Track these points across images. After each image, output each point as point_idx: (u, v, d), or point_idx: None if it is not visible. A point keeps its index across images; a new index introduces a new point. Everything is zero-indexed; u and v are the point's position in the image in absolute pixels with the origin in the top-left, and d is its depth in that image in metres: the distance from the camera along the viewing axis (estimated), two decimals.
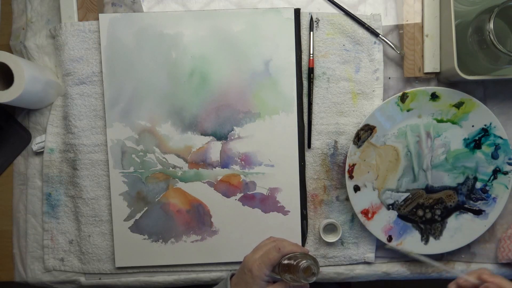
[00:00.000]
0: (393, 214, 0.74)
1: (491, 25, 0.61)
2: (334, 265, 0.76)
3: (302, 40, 0.74)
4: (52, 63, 0.76)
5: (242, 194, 0.75)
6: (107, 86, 0.74)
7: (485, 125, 0.72)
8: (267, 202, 0.75)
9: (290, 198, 0.75)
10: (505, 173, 0.72)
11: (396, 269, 0.76)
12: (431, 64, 0.73)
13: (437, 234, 0.74)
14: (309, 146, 0.75)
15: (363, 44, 0.74)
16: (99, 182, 0.75)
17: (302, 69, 0.74)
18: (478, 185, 0.73)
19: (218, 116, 0.74)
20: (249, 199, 0.75)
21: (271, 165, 0.74)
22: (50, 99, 0.75)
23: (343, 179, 0.75)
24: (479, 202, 0.73)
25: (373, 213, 0.73)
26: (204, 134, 0.74)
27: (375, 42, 0.74)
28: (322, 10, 0.75)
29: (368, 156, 0.73)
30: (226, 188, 0.75)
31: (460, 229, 0.73)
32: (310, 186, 0.75)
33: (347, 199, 0.74)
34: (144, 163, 0.74)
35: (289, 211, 0.75)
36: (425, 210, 0.74)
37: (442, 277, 0.76)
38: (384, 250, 0.76)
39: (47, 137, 0.76)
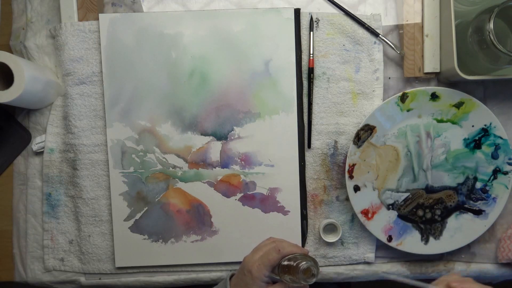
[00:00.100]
0: (393, 214, 0.74)
1: (491, 25, 0.61)
2: (334, 265, 0.76)
3: (302, 40, 0.74)
4: (52, 63, 0.76)
5: (242, 194, 0.75)
6: (107, 86, 0.74)
7: (485, 125, 0.72)
8: (267, 202, 0.75)
9: (290, 198, 0.75)
10: (505, 173, 0.72)
11: (396, 269, 0.76)
12: (431, 64, 0.73)
13: (437, 234, 0.74)
14: (309, 146, 0.75)
15: (363, 44, 0.74)
16: (99, 182, 0.75)
17: (302, 69, 0.74)
18: (478, 185, 0.73)
19: (218, 116, 0.74)
20: (249, 199, 0.75)
21: (271, 165, 0.74)
22: (50, 99, 0.75)
23: (343, 179, 0.75)
24: (479, 202, 0.73)
25: (373, 213, 0.73)
26: (204, 134, 0.74)
27: (375, 42, 0.74)
28: (322, 10, 0.75)
29: (368, 156, 0.73)
30: (226, 188, 0.75)
31: (460, 229, 0.73)
32: (310, 186, 0.75)
33: (347, 199, 0.74)
34: (144, 163, 0.74)
35: (289, 211, 0.75)
36: (425, 210, 0.74)
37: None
38: (384, 250, 0.76)
39: (47, 137, 0.76)
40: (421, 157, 0.73)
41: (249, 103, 0.74)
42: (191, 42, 0.73)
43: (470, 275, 0.76)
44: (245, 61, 0.74)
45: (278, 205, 0.75)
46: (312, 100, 0.74)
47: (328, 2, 0.75)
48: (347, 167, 0.72)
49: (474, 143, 0.72)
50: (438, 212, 0.73)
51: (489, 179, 0.73)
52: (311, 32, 0.74)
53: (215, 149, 0.74)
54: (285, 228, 0.75)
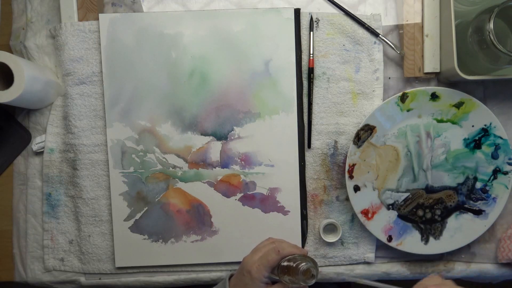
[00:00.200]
0: (393, 214, 0.74)
1: (491, 25, 0.61)
2: (334, 265, 0.76)
3: (302, 40, 0.74)
4: (52, 63, 0.76)
5: (242, 194, 0.75)
6: (107, 86, 0.74)
7: (485, 125, 0.72)
8: (267, 202, 0.75)
9: (290, 198, 0.75)
10: (505, 173, 0.72)
11: (396, 269, 0.76)
12: (431, 64, 0.73)
13: (437, 234, 0.74)
14: (309, 146, 0.75)
15: (363, 44, 0.74)
16: (99, 182, 0.75)
17: (302, 69, 0.74)
18: (478, 185, 0.73)
19: (218, 116, 0.74)
20: (249, 199, 0.75)
21: (271, 165, 0.74)
22: (50, 99, 0.75)
23: (343, 179, 0.75)
24: (479, 202, 0.73)
25: (373, 213, 0.73)
26: (204, 134, 0.74)
27: (375, 42, 0.74)
28: (322, 10, 0.75)
29: (368, 156, 0.73)
30: (226, 188, 0.75)
31: (460, 229, 0.73)
32: (310, 186, 0.75)
33: (347, 199, 0.74)
34: (144, 163, 0.74)
35: (289, 211, 0.75)
36: (425, 210, 0.73)
37: (441, 277, 0.76)
38: (384, 250, 0.76)
39: (47, 137, 0.76)
40: (421, 157, 0.73)
41: (249, 103, 0.74)
42: (191, 42, 0.73)
43: (470, 275, 0.76)
44: (245, 61, 0.74)
45: (278, 205, 0.75)
46: (312, 100, 0.74)
47: (328, 2, 0.75)
48: (347, 167, 0.72)
49: (474, 143, 0.72)
50: (438, 212, 0.73)
51: (489, 179, 0.73)
52: (311, 32, 0.74)
53: (215, 149, 0.74)
54: (285, 228, 0.75)
